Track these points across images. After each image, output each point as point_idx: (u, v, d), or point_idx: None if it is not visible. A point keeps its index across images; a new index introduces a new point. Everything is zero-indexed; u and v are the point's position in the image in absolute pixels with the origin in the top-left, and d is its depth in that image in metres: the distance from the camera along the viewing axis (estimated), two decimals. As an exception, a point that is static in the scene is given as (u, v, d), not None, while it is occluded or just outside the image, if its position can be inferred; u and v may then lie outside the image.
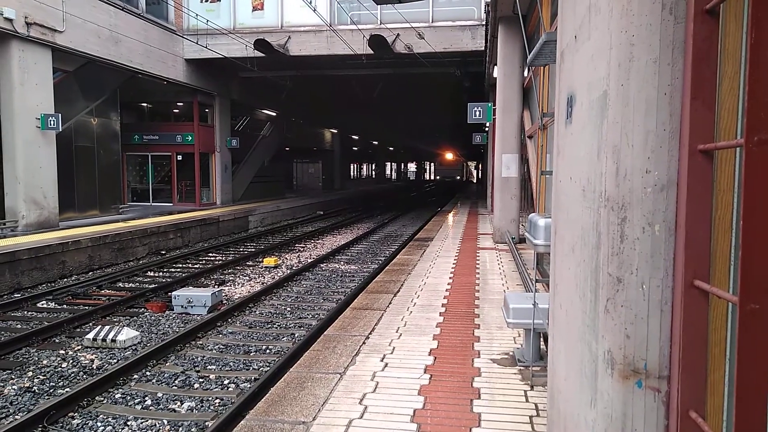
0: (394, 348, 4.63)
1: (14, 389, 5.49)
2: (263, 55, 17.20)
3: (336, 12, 17.34)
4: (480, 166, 65.11)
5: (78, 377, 5.83)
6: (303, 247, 15.16)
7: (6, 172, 13.20)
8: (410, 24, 16.29)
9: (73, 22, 13.97)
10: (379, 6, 15.78)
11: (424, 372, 4.09)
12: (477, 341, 4.80)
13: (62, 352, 6.58)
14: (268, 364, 6.12)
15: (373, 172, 61.88)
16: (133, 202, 22.21)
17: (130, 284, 10.43)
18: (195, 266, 12.26)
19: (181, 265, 12.39)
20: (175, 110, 23.78)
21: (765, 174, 1.06)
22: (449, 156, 75.21)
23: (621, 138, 1.50)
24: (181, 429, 4.68)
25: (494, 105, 12.14)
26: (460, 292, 6.70)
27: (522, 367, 4.15)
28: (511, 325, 4.21)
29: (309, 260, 12.82)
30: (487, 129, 19.74)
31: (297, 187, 38.66)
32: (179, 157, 21.86)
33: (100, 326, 7.14)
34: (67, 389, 5.45)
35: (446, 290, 6.82)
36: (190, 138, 21.29)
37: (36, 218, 13.44)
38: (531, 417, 3.35)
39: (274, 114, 27.14)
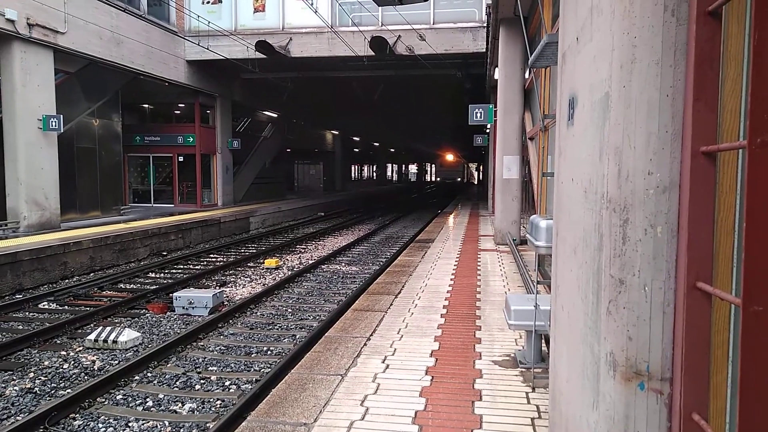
0: (395, 349, 4.63)
1: (16, 390, 5.49)
2: (264, 56, 17.22)
3: (337, 14, 17.35)
4: (481, 167, 65.03)
5: (79, 378, 5.83)
6: (304, 249, 15.16)
7: (8, 173, 13.22)
8: (411, 26, 16.30)
9: (75, 24, 14.00)
10: (380, 7, 15.80)
11: (426, 373, 4.08)
12: (478, 343, 4.80)
13: (64, 353, 6.58)
14: (269, 366, 6.12)
15: (374, 174, 61.89)
16: (134, 204, 22.22)
17: (132, 285, 10.44)
18: (196, 267, 12.27)
19: (182, 267, 12.39)
20: (176, 111, 23.81)
21: (768, 175, 1.06)
22: (450, 157, 74.63)
23: (623, 139, 1.49)
24: (182, 430, 4.68)
25: (495, 107, 12.14)
26: (462, 294, 6.69)
27: (523, 369, 4.15)
28: (512, 326, 4.21)
29: (310, 261, 12.82)
30: (488, 131, 19.75)
31: (298, 188, 38.69)
32: (180, 159, 21.87)
33: (101, 327, 7.14)
34: (69, 390, 5.45)
35: (447, 292, 6.81)
36: (192, 139, 21.30)
37: (37, 219, 13.46)
38: (533, 419, 3.35)
39: (276, 115, 27.16)
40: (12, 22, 12.32)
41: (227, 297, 9.29)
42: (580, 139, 1.87)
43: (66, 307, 8.87)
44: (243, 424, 3.34)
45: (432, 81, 21.54)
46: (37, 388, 5.55)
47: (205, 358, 6.41)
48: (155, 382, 5.71)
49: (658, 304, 1.48)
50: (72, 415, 4.93)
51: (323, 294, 9.70)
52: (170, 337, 7.06)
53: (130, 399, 5.27)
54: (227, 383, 5.66)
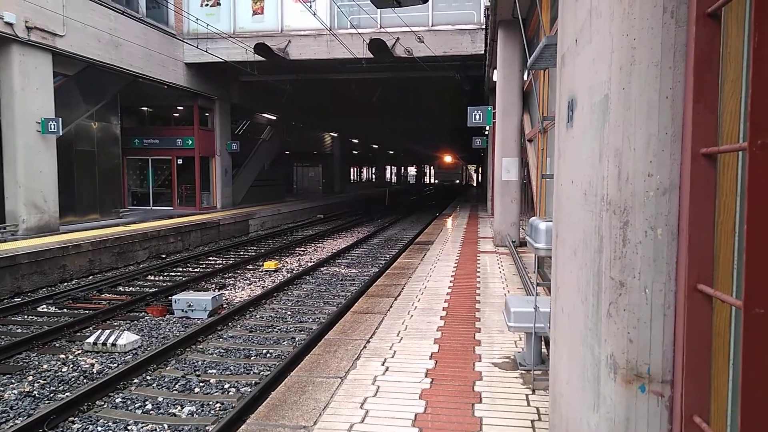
0: (395, 352, 4.62)
1: (14, 394, 5.48)
2: (263, 59, 17.23)
3: (336, 16, 17.37)
4: (480, 169, 64.95)
5: (78, 381, 5.82)
6: (303, 251, 15.15)
7: (6, 176, 13.21)
8: (410, 28, 16.32)
9: (74, 27, 14.00)
10: (378, 10, 15.80)
11: (425, 376, 4.08)
12: (478, 345, 4.79)
13: (62, 356, 6.57)
14: (268, 369, 6.11)
15: (373, 176, 61.89)
16: (133, 206, 22.21)
17: (131, 288, 10.42)
18: (195, 270, 12.25)
19: (181, 269, 12.38)
20: (175, 114, 23.81)
21: (769, 177, 1.06)
22: (448, 159, 73.63)
23: (623, 141, 1.49)
24: (181, 434, 4.67)
25: (494, 108, 12.14)
26: (461, 296, 6.69)
27: (523, 371, 4.14)
28: (512, 328, 4.20)
29: (309, 264, 12.81)
30: (487, 132, 19.76)
31: (297, 190, 38.68)
32: (179, 161, 21.87)
33: (100, 330, 7.13)
34: (68, 393, 5.44)
35: (447, 294, 6.81)
36: (191, 142, 21.30)
37: (36, 222, 13.44)
38: (533, 421, 3.34)
39: (275, 118, 27.17)
40: (10, 25, 12.32)
41: (226, 300, 9.28)
42: (580, 141, 1.86)
43: (65, 310, 8.85)
44: (242, 427, 3.33)
45: (431, 83, 21.56)
46: (35, 392, 5.53)
47: (204, 360, 6.39)
48: (154, 385, 5.70)
49: (658, 307, 1.48)
50: (71, 419, 4.91)
51: (322, 296, 9.69)
52: (169, 340, 7.04)
53: (129, 402, 5.26)
54: (226, 386, 5.64)
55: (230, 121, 23.09)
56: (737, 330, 1.41)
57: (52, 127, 13.43)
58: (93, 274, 11.61)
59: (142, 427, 4.76)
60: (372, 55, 16.65)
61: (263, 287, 10.31)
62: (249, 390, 5.48)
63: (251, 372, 6.06)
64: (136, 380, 5.77)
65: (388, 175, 70.79)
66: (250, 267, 12.53)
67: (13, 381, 5.82)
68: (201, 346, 6.91)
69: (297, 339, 7.20)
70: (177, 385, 5.66)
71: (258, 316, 8.37)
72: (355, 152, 50.41)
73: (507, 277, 7.91)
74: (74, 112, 15.65)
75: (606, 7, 1.55)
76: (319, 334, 6.95)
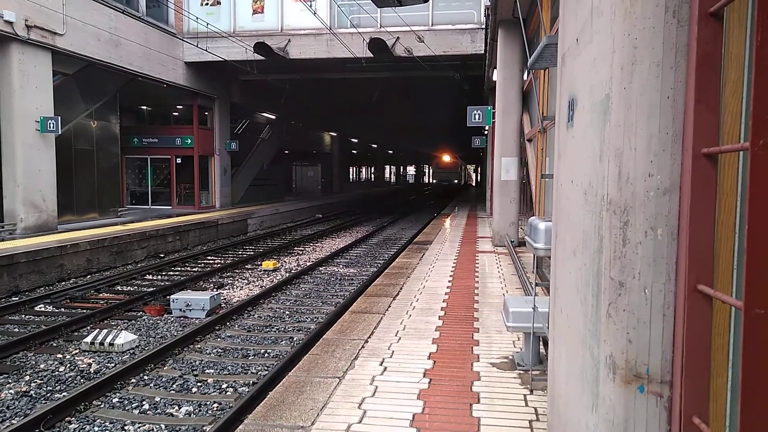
0: (393, 352, 4.61)
1: (11, 393, 5.46)
2: (263, 58, 17.22)
3: (336, 15, 17.36)
4: (479, 169, 64.79)
5: (75, 381, 5.80)
6: (302, 251, 15.15)
7: (5, 175, 13.19)
8: (410, 27, 16.32)
9: (74, 25, 13.98)
10: (379, 9, 15.80)
11: (424, 376, 4.07)
12: (476, 345, 4.79)
13: (60, 355, 6.55)
14: (266, 368, 6.10)
15: (372, 176, 61.88)
16: (132, 205, 22.19)
17: (129, 287, 10.41)
18: (194, 269, 12.24)
19: (179, 269, 12.36)
20: (174, 113, 23.79)
21: (770, 177, 1.05)
22: (447, 158, 71.84)
23: (623, 141, 1.49)
24: (179, 433, 4.66)
25: (494, 108, 12.15)
26: (460, 296, 6.68)
27: (521, 371, 4.14)
28: (510, 328, 4.20)
29: (308, 263, 12.80)
30: (486, 132, 19.77)
31: (296, 190, 38.65)
32: (178, 160, 21.86)
33: (97, 330, 7.11)
34: (65, 393, 5.42)
35: (445, 294, 6.80)
36: (190, 141, 21.29)
37: (34, 221, 13.42)
38: (531, 421, 3.33)
39: (274, 117, 27.15)
40: (10, 23, 12.30)
41: (225, 299, 9.27)
42: (580, 140, 1.86)
43: (62, 309, 8.83)
44: (240, 427, 3.32)
45: (431, 82, 21.56)
46: (32, 391, 5.52)
47: (202, 360, 6.38)
48: (152, 385, 5.69)
49: (658, 307, 1.47)
50: (68, 419, 4.90)
51: (321, 296, 9.68)
52: (167, 340, 7.03)
53: (127, 402, 5.25)
54: (224, 386, 5.63)
55: (229, 120, 23.08)
56: (737, 331, 1.41)
57: (51, 125, 13.41)
58: (91, 274, 11.59)
59: (139, 427, 4.75)
60: (372, 55, 16.65)
61: (261, 287, 10.30)
62: (247, 390, 5.47)
63: (249, 372, 6.05)
64: (133, 380, 5.76)
65: (387, 175, 70.67)
66: (249, 266, 12.51)
67: (10, 381, 5.80)
68: (199, 346, 6.90)
69: (295, 339, 7.19)
70: (174, 385, 5.65)
71: (256, 316, 8.36)
72: (354, 152, 50.40)
73: (506, 277, 7.91)
74: (73, 111, 15.62)
75: (607, 7, 1.55)
76: (317, 333, 6.94)
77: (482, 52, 15.97)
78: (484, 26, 15.28)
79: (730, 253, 1.39)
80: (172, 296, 8.47)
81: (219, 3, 18.45)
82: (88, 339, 6.79)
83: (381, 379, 4.02)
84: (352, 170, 52.52)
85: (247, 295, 9.64)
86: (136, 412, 5.06)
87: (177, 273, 11.86)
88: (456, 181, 73.86)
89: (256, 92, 23.52)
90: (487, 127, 17.08)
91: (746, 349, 1.07)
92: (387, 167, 70.88)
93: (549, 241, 3.28)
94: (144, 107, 23.79)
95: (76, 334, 7.41)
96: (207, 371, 6.05)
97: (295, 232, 19.31)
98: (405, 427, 3.27)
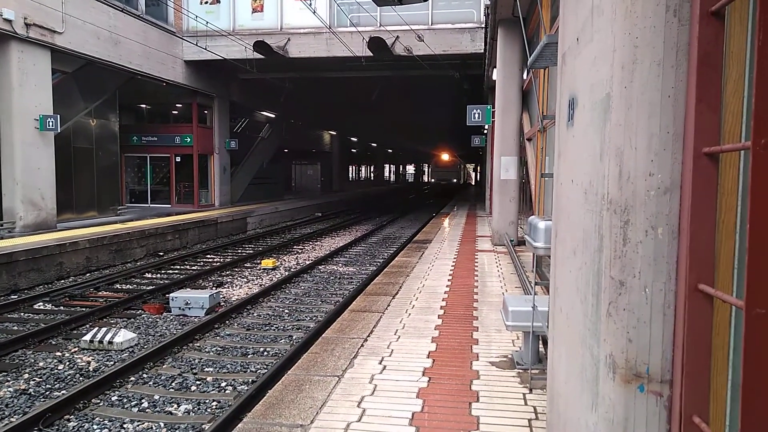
0: (392, 351, 4.61)
1: (10, 391, 5.46)
2: (262, 56, 17.20)
3: (335, 14, 17.35)
4: (478, 168, 64.61)
5: (74, 379, 5.80)
6: (301, 249, 15.14)
7: (4, 173, 13.17)
8: (410, 26, 16.31)
9: (73, 23, 13.96)
10: (378, 8, 15.79)
11: (423, 375, 4.07)
12: (476, 344, 4.79)
13: (59, 354, 6.55)
14: (265, 367, 6.10)
15: (372, 175, 61.86)
16: (131, 204, 22.17)
17: (128, 286, 10.40)
18: (193, 268, 12.23)
19: (179, 267, 12.36)
20: (174, 112, 23.76)
21: (772, 177, 1.05)
22: (446, 157, 70.47)
23: (624, 140, 1.48)
24: (178, 432, 4.66)
25: (493, 107, 12.14)
26: (459, 295, 6.68)
27: (521, 370, 4.14)
28: (509, 327, 4.20)
29: (307, 262, 12.80)
30: (485, 131, 19.76)
31: (295, 188, 38.65)
32: (178, 159, 21.84)
33: (97, 328, 7.11)
34: (64, 391, 5.42)
35: (445, 293, 6.80)
36: (189, 139, 21.27)
37: (34, 219, 13.41)
38: (530, 420, 3.34)
39: (273, 116, 27.13)
40: (9, 21, 12.28)
41: (224, 298, 9.26)
42: (581, 140, 1.86)
43: (61, 307, 8.83)
44: (239, 425, 3.32)
45: (430, 81, 21.54)
46: (31, 389, 5.52)
47: (201, 359, 6.38)
48: (151, 383, 5.69)
49: (658, 306, 1.47)
50: (67, 417, 4.90)
51: (320, 295, 9.68)
52: (166, 338, 7.03)
53: (126, 400, 5.24)
54: (223, 384, 5.63)
55: (229, 118, 23.06)
56: (737, 330, 1.41)
57: (51, 124, 13.39)
58: (90, 272, 11.59)
59: (138, 426, 4.75)
60: (371, 54, 16.64)
61: (261, 285, 10.29)
62: (246, 388, 5.47)
63: (248, 370, 6.05)
64: (132, 378, 5.76)
65: (386, 174, 70.54)
66: (248, 265, 12.51)
67: (9, 378, 5.80)
68: (198, 344, 6.90)
69: (294, 337, 7.19)
70: (173, 383, 5.64)
71: (255, 314, 8.36)
72: (354, 150, 50.38)
73: (505, 276, 7.91)
74: (73, 109, 15.61)
75: (608, 6, 1.55)
76: (316, 332, 6.94)
77: (482, 51, 15.97)
78: (483, 25, 15.27)
79: (731, 252, 1.39)
80: (171, 294, 8.47)
81: (218, 1, 18.43)
82: (87, 337, 6.79)
83: (380, 377, 4.02)
84: (351, 169, 52.51)
85: (247, 293, 9.64)
86: (135, 410, 5.05)
87: (176, 271, 11.85)
88: (455, 180, 72.83)
89: (256, 91, 23.50)
90: (486, 126, 17.08)
91: (747, 348, 1.07)
92: (386, 166, 70.78)
93: (548, 240, 3.28)
94: (143, 106, 23.75)
95: (75, 332, 7.41)
96: (206, 369, 6.05)
97: (295, 231, 19.30)
98: (404, 425, 3.27)
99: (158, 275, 11.44)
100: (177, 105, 22.77)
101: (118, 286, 10.36)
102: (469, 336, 5.02)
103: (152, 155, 22.21)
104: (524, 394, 3.73)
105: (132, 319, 8.02)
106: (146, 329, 7.56)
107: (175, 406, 5.13)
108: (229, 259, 13.06)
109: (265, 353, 6.63)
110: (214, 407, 5.10)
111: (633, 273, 1.49)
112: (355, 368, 4.20)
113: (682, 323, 1.41)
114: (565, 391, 2.01)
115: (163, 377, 5.80)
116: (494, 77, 12.06)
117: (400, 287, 7.11)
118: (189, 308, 8.17)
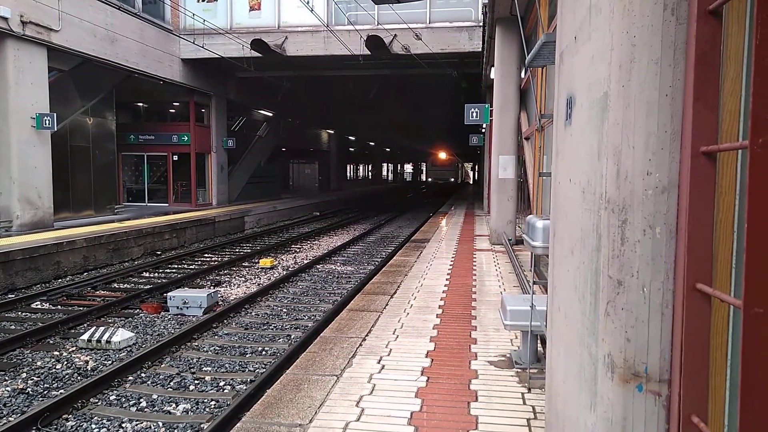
0: (391, 350, 4.61)
1: (8, 391, 5.44)
2: (260, 55, 17.17)
3: (333, 12, 17.33)
4: (476, 167, 64.49)
5: (72, 379, 5.79)
6: (299, 248, 15.13)
7: (0, 172, 13.13)
8: (407, 25, 16.29)
9: (69, 21, 13.91)
10: (376, 6, 15.78)
11: (421, 374, 4.07)
12: (474, 343, 4.79)
13: (56, 353, 6.53)
14: (264, 366, 6.10)
15: (370, 173, 61.83)
16: (128, 203, 22.13)
17: (125, 285, 10.38)
18: (191, 267, 12.22)
19: (176, 266, 12.34)
20: (171, 110, 23.71)
21: (770, 176, 1.05)
22: (443, 155, 69.97)
23: (622, 139, 1.48)
24: (176, 431, 4.65)
25: (491, 106, 12.14)
26: (457, 294, 6.68)
27: (519, 370, 4.14)
28: (508, 327, 4.20)
29: (305, 261, 12.79)
30: (483, 130, 19.76)
31: (293, 187, 38.62)
32: (175, 158, 21.79)
33: (94, 327, 7.09)
34: (62, 391, 5.41)
35: (443, 292, 6.80)
36: (186, 138, 21.23)
37: (30, 218, 13.37)
38: (528, 420, 3.34)
39: (271, 114, 27.09)
40: (5, 19, 12.23)
41: (222, 297, 9.25)
42: (578, 139, 1.85)
43: (59, 306, 8.80)
44: (237, 425, 3.31)
45: (428, 80, 21.53)
46: (29, 389, 5.50)
47: (199, 358, 6.37)
48: (149, 382, 5.68)
49: (656, 306, 1.47)
50: (65, 416, 4.89)
51: (318, 294, 9.67)
52: (164, 337, 7.01)
53: (124, 399, 5.24)
54: (222, 384, 5.63)
55: (226, 117, 23.02)
56: (736, 329, 1.41)
57: (47, 122, 13.34)
58: (87, 271, 11.56)
59: (136, 425, 4.74)
60: (369, 52, 16.62)
61: (259, 284, 10.28)
62: (244, 388, 5.46)
63: (247, 369, 6.04)
64: (130, 377, 5.75)
65: (384, 173, 70.45)
66: (246, 264, 12.50)
67: (7, 378, 5.78)
68: (196, 344, 6.89)
69: (293, 336, 7.19)
70: (172, 383, 5.64)
71: (253, 314, 8.35)
72: (352, 149, 50.35)
73: (503, 276, 7.91)
74: (69, 108, 15.56)
75: (606, 4, 1.54)
76: (314, 331, 6.93)
77: (480, 49, 15.96)
78: (481, 24, 15.26)
79: (729, 251, 1.39)
80: (169, 294, 8.45)
81: (215, 0, 18.38)
82: (85, 336, 6.77)
83: (379, 377, 4.02)
84: (349, 168, 52.51)
85: (245, 292, 9.63)
86: (133, 409, 5.05)
87: (174, 270, 11.84)
88: (452, 179, 72.46)
89: (253, 89, 23.46)
90: (484, 125, 17.08)
91: (745, 347, 1.07)
92: (384, 165, 70.67)
93: (547, 240, 3.28)
94: (140, 104, 23.70)
95: (73, 331, 7.39)
96: (204, 369, 6.04)
97: (293, 230, 19.29)
98: (403, 425, 3.27)
99: (156, 274, 11.42)
100: (174, 103, 22.72)
101: (115, 285, 10.34)
102: (467, 335, 5.03)
103: (149, 154, 22.16)
104: (523, 394, 3.73)
105: (130, 319, 8.01)
106: (144, 328, 7.54)
107: (174, 405, 5.12)
108: (226, 258, 13.05)
109: (264, 352, 6.62)
110: (212, 407, 5.10)
111: (631, 272, 1.49)
112: (353, 368, 4.20)
113: (680, 322, 1.41)
114: (564, 390, 2.01)
115: (161, 377, 5.79)
116: (492, 76, 12.06)
117: (399, 286, 7.11)
118: (187, 307, 8.16)
